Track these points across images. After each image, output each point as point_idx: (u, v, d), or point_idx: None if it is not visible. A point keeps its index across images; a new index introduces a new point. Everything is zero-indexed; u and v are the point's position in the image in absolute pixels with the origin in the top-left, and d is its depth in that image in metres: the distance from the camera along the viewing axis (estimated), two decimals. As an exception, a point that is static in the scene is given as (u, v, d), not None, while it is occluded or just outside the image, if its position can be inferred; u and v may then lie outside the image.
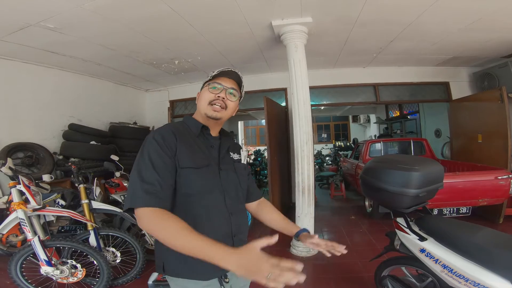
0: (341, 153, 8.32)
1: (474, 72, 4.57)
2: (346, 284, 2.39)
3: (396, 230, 1.78)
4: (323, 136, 13.78)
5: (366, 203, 4.43)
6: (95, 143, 3.97)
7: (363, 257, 2.79)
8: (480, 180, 3.30)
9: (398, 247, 1.79)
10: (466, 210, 3.49)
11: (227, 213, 0.98)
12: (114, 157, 3.55)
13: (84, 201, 2.41)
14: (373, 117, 10.74)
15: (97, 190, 2.73)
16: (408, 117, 7.79)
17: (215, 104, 0.98)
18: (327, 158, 9.32)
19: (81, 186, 2.44)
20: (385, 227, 3.70)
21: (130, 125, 4.86)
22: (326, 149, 10.94)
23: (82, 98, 4.38)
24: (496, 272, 1.40)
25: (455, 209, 3.48)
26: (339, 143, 10.11)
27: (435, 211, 3.45)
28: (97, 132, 4.17)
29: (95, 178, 2.77)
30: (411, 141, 5.12)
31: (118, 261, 2.44)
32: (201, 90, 1.05)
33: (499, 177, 3.26)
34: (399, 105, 8.04)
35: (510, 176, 3.25)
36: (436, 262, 1.55)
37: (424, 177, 1.55)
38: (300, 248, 3.00)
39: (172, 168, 0.89)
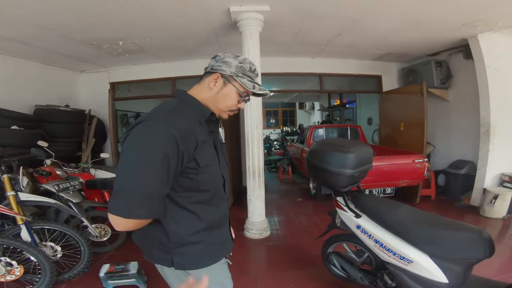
0: (288, 138, 8.67)
1: (402, 68, 5.17)
2: (298, 263, 2.55)
3: (336, 209, 1.97)
4: (271, 121, 14.13)
5: (311, 185, 4.81)
6: (17, 127, 3.39)
7: (311, 237, 3.03)
8: (401, 163, 3.83)
9: (339, 225, 1.98)
10: (391, 190, 4.03)
11: (225, 197, 1.03)
12: (42, 143, 3.12)
13: (10, 193, 2.10)
14: (317, 105, 11.38)
15: (24, 181, 2.40)
16: (347, 105, 8.59)
17: (231, 111, 0.97)
18: (275, 142, 9.63)
19: (4, 176, 2.10)
20: (328, 208, 4.09)
21: (61, 108, 4.26)
22: (274, 134, 11.21)
23: (1, 80, 3.71)
24: (415, 245, 1.59)
25: (381, 189, 4.00)
26: (286, 129, 10.44)
27: (367, 192, 3.92)
28: (19, 116, 3.56)
29: (21, 167, 2.42)
30: (348, 127, 5.73)
31: (59, 256, 2.26)
32: (228, 80, 0.92)
33: (416, 161, 3.82)
34: (340, 94, 8.69)
35: (425, 160, 3.85)
36: (369, 238, 1.74)
37: (358, 158, 1.74)
38: (253, 231, 3.14)
39: (177, 172, 0.82)
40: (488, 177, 3.68)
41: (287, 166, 6.12)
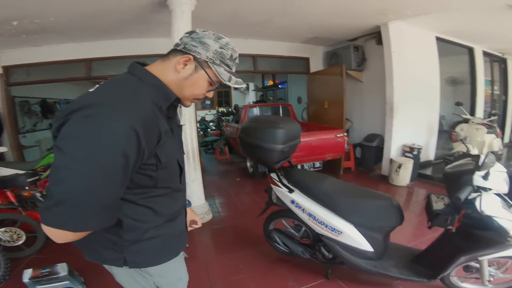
0: (223, 118, 8.62)
1: (327, 51, 5.59)
2: (244, 243, 2.58)
3: (271, 185, 2.02)
4: (206, 102, 13.76)
5: (248, 164, 4.92)
6: None
7: (253, 216, 3.06)
8: (326, 138, 4.23)
9: (275, 201, 2.04)
10: (319, 164, 4.46)
11: (183, 188, 0.95)
12: None
13: None
14: (251, 85, 11.56)
15: None
16: (279, 86, 8.98)
17: (196, 99, 0.85)
18: (211, 123, 9.46)
19: None
20: (266, 185, 4.25)
21: None
22: (209, 115, 11.00)
23: None
24: (342, 216, 1.73)
25: (311, 164, 4.39)
26: (222, 109, 10.38)
27: (298, 167, 4.24)
28: None
29: None
30: (280, 106, 6.04)
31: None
32: (201, 66, 0.77)
33: (338, 135, 4.27)
34: (273, 75, 8.97)
35: (345, 134, 4.33)
36: (303, 212, 1.84)
37: (287, 134, 1.81)
38: None
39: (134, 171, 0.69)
40: (393, 148, 4.37)
41: (224, 147, 6.09)
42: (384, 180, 4.41)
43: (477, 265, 1.65)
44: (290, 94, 8.14)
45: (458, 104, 4.54)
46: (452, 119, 5.12)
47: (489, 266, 1.64)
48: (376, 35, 4.51)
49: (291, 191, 1.89)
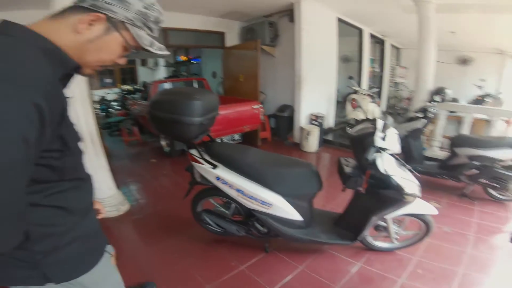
0: (129, 96, 7.71)
1: (243, 26, 5.56)
2: (172, 229, 2.36)
3: (192, 163, 1.84)
4: (106, 81, 12.02)
5: (163, 142, 4.50)
6: None
7: (177, 198, 2.82)
8: (243, 110, 4.27)
9: (199, 180, 1.87)
10: (238, 137, 4.49)
11: (90, 176, 0.81)
12: None
13: None
14: (162, 61, 10.74)
15: None
16: (193, 61, 8.53)
17: (102, 66, 0.69)
18: (114, 103, 8.30)
19: None
20: (186, 163, 3.99)
21: None
22: (111, 94, 9.65)
23: None
24: (269, 188, 1.71)
25: (231, 136, 4.37)
26: (127, 87, 9.45)
27: (218, 140, 4.17)
28: None
29: None
30: (194, 80, 5.79)
31: None
32: (116, 27, 0.63)
33: (254, 107, 4.38)
34: (186, 50, 8.49)
35: (260, 106, 4.47)
36: (231, 188, 1.74)
37: (204, 105, 1.65)
38: (107, 209, 2.54)
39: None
40: (302, 117, 4.83)
41: (133, 127, 5.40)
42: (297, 147, 4.83)
43: (385, 224, 1.89)
44: (204, 69, 7.88)
45: (350, 77, 5.31)
46: (345, 92, 6.00)
47: (393, 224, 1.88)
48: (289, 13, 4.71)
49: (214, 167, 1.76)
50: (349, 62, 6.68)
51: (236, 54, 5.27)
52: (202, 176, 1.84)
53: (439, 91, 4.11)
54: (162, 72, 10.77)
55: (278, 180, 1.73)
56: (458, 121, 5.57)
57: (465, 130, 3.60)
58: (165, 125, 1.67)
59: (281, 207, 1.73)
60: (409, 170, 1.71)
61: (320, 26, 4.75)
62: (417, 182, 1.66)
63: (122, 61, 0.72)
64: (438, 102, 3.60)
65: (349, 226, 1.88)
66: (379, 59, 7.59)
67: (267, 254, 2.01)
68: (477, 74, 7.07)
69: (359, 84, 5.88)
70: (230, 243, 2.13)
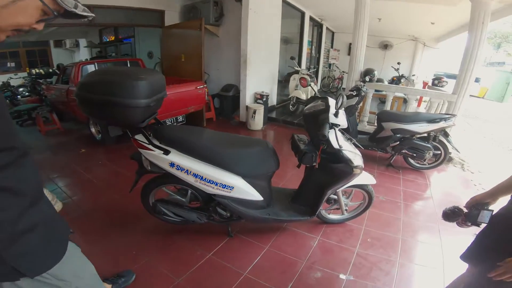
0: (42, 81, 6.55)
1: (184, 4, 5.19)
2: (121, 225, 2.07)
3: (140, 150, 1.62)
4: (8, 65, 10.05)
5: (93, 129, 3.91)
6: None
7: (120, 190, 2.52)
8: (187, 90, 4.02)
9: (149, 168, 1.66)
10: (182, 118, 4.20)
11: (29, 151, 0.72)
12: None
13: None
14: (83, 42, 9.59)
15: None
16: (123, 41, 7.63)
17: (17, 31, 0.59)
18: (21, 89, 6.91)
19: None
20: (125, 151, 3.55)
21: None
22: (16, 79, 8.05)
23: None
24: (229, 170, 1.62)
25: (174, 119, 4.06)
26: (38, 71, 8.05)
27: (161, 123, 3.81)
28: None
29: None
30: (128, 61, 5.13)
31: None
32: None
33: (198, 87, 4.17)
34: (115, 30, 7.75)
35: (205, 86, 4.29)
36: (188, 173, 1.59)
37: (151, 86, 1.45)
38: None
39: None
40: (247, 96, 4.78)
41: (50, 114, 4.54)
42: (243, 126, 4.81)
43: (335, 197, 2.00)
44: (138, 49, 7.14)
45: (292, 58, 5.46)
46: (284, 72, 6.17)
47: (343, 196, 2.00)
48: (236, -7, 4.51)
49: (166, 152, 1.57)
50: (288, 43, 6.87)
51: (177, 33, 4.90)
52: (152, 164, 1.63)
53: (368, 72, 4.56)
54: (84, 54, 9.45)
55: (237, 161, 1.65)
56: (380, 98, 6.39)
57: (388, 107, 4.11)
58: (102, 109, 1.39)
59: (242, 189, 1.68)
60: (354, 144, 1.82)
61: (266, 7, 4.72)
62: (360, 154, 1.76)
63: (40, 27, 0.63)
64: (367, 82, 3.98)
65: (306, 202, 1.93)
66: (317, 42, 8.01)
67: (231, 238, 1.95)
68: (395, 58, 8.13)
69: (299, 64, 6.11)
70: (190, 232, 2.00)
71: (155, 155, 1.59)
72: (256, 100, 4.83)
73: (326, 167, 1.75)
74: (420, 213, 2.46)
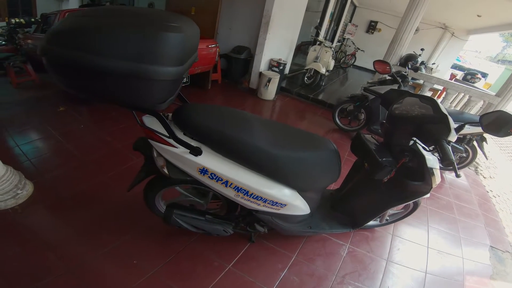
0: (20, 30, 5.69)
1: None
2: (118, 220, 1.59)
3: (151, 142, 0.99)
4: None
5: (76, 84, 3.19)
6: None
7: (107, 165, 2.01)
8: (198, 48, 3.35)
9: (165, 170, 1.03)
10: (186, 79, 3.58)
11: None
12: None
13: None
14: None
15: None
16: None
17: None
18: None
19: None
20: (114, 113, 2.86)
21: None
22: None
23: None
24: (283, 181, 1.13)
25: (177, 80, 3.42)
26: (18, 20, 7.03)
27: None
28: None
29: None
30: None
31: None
32: None
33: (210, 46, 3.54)
34: None
35: (217, 45, 3.66)
36: (226, 186, 1.02)
37: (187, 43, 0.84)
38: None
39: None
40: (263, 62, 4.14)
41: (24, 65, 3.81)
42: (252, 93, 4.27)
43: None
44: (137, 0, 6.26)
45: (317, 27, 4.79)
46: (298, 40, 5.46)
47: None
48: None
49: (195, 151, 0.96)
50: (309, 11, 6.11)
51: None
52: (172, 167, 1.03)
53: (410, 58, 3.99)
54: (73, 3, 8.44)
55: (299, 172, 1.14)
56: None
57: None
58: (97, 81, 0.75)
59: (295, 205, 1.22)
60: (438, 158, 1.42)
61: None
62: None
63: None
64: (409, 69, 3.38)
65: (351, 212, 1.66)
66: (338, 14, 7.30)
67: (252, 244, 1.63)
68: (417, 44, 7.49)
69: (317, 35, 5.43)
70: (202, 235, 1.59)
71: (177, 154, 0.97)
72: (271, 67, 4.21)
73: (397, 182, 1.38)
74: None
